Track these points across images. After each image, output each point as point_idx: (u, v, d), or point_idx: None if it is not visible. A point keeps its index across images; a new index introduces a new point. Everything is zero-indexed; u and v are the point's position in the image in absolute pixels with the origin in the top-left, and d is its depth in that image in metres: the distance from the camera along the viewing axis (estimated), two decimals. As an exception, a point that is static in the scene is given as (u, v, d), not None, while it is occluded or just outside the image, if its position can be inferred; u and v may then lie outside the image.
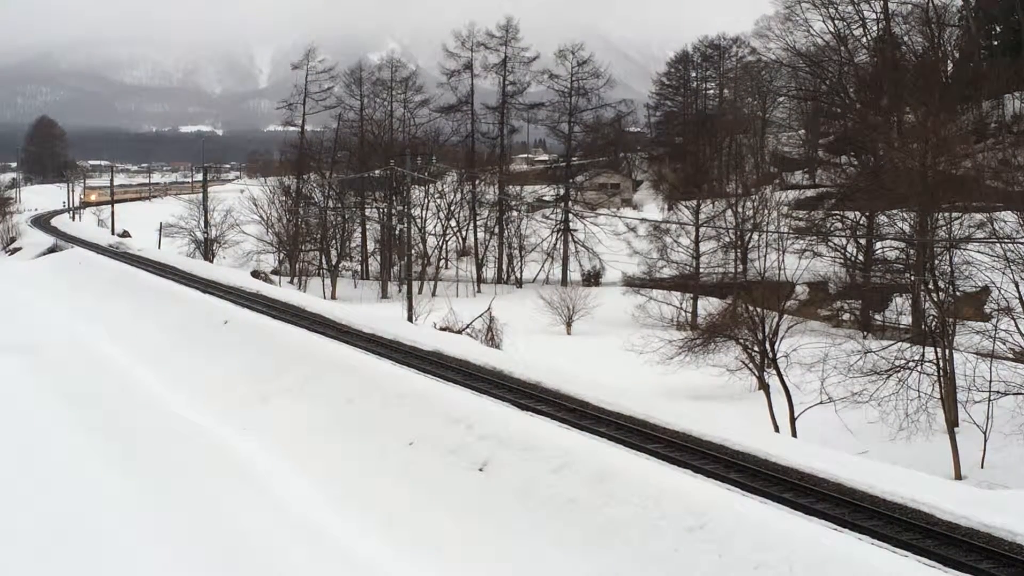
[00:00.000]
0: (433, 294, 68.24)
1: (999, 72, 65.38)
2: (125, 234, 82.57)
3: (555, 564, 13.76)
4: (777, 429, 28.07)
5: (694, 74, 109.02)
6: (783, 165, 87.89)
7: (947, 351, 27.33)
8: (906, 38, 77.12)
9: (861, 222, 54.97)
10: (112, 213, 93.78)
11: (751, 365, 33.70)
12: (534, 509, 15.10)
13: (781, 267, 60.92)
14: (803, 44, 79.29)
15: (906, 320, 42.87)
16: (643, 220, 71.76)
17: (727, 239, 63.48)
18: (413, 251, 64.73)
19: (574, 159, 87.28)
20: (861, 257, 55.43)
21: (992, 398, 25.45)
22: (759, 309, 34.77)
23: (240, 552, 14.62)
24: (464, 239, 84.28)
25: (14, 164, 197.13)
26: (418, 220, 77.26)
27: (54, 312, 40.36)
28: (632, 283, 63.47)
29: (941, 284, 33.44)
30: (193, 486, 17.52)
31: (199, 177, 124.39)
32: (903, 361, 27.19)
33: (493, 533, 14.91)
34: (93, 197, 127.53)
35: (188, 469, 18.45)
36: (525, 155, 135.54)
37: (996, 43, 76.95)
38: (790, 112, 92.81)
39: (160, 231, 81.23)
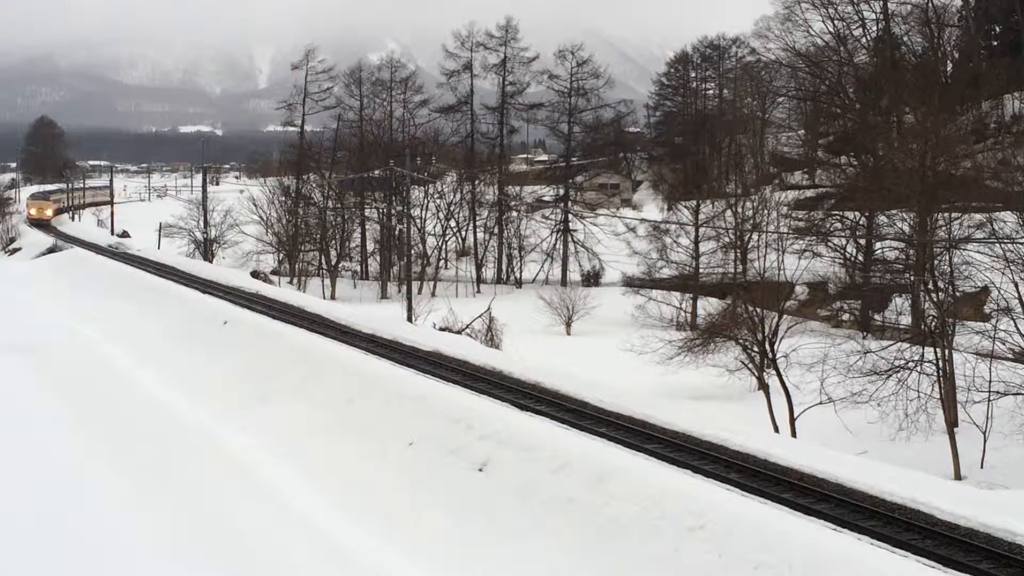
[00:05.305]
0: (433, 294, 68.24)
1: (999, 72, 65.41)
2: (125, 234, 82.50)
3: (555, 564, 13.76)
4: (777, 429, 28.09)
5: (694, 74, 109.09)
6: (783, 165, 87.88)
7: (947, 351, 27.35)
8: (906, 38, 77.24)
9: (861, 222, 54.99)
10: (112, 213, 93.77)
11: (751, 365, 33.76)
12: (534, 509, 15.10)
13: (781, 267, 60.93)
14: (803, 44, 79.44)
15: (906, 320, 42.90)
16: (643, 220, 71.84)
17: (727, 239, 63.53)
18: (413, 251, 64.71)
19: (574, 159, 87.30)
20: (861, 257, 55.45)
21: (991, 398, 25.47)
22: (759, 309, 34.81)
23: (240, 552, 14.63)
24: (464, 239, 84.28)
25: (14, 164, 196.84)
26: (418, 220, 77.29)
27: (54, 312, 40.34)
28: (632, 283, 63.53)
29: (941, 284, 33.50)
30: (193, 486, 17.52)
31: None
32: (903, 361, 27.20)
33: (493, 533, 14.91)
34: (33, 212, 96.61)
35: (188, 469, 18.45)
36: (525, 155, 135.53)
37: (996, 43, 76.97)
38: (790, 112, 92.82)
39: (160, 231, 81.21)
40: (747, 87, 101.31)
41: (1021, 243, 28.12)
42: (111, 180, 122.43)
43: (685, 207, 68.11)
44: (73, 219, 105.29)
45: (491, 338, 43.04)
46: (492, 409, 19.16)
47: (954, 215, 38.76)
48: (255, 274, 64.89)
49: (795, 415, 28.65)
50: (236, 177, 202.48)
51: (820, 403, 27.95)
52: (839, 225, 57.76)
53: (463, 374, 23.13)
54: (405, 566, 14.18)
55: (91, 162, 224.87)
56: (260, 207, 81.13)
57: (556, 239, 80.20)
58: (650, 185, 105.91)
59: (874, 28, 76.64)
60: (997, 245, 29.14)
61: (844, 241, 56.70)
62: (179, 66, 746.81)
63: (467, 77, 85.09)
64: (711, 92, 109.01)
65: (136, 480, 17.98)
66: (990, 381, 25.50)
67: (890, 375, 26.95)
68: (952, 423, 26.22)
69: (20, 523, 15.78)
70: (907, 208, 44.79)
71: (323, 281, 76.60)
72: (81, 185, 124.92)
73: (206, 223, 74.80)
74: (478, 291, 74.36)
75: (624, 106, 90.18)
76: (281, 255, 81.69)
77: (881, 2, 74.16)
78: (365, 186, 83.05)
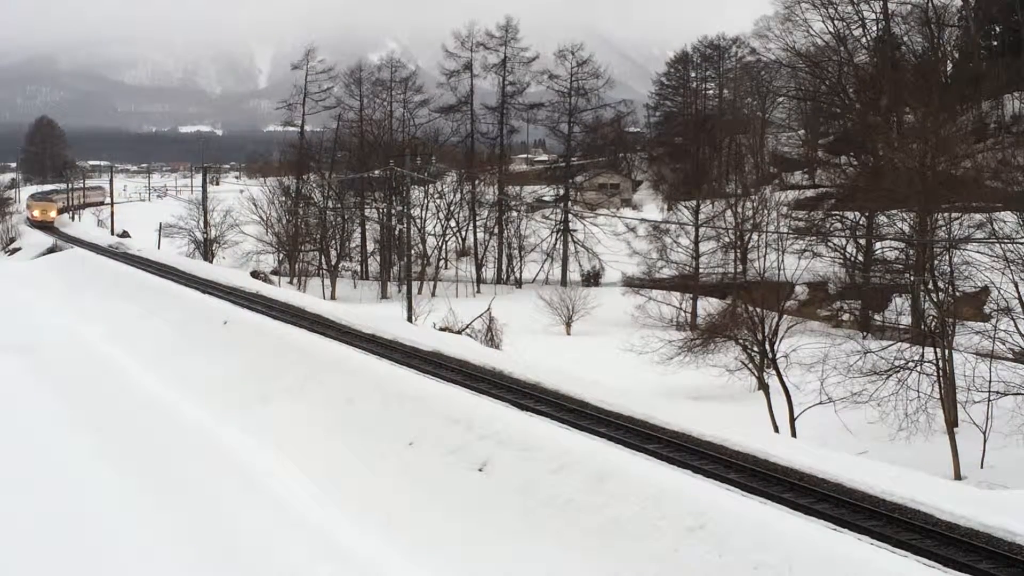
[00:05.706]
0: (433, 294, 68.25)
1: (999, 72, 65.46)
2: (124, 234, 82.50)
3: (555, 564, 13.75)
4: (777, 429, 28.09)
5: (694, 74, 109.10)
6: (783, 165, 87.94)
7: (946, 351, 27.35)
8: (906, 38, 77.27)
9: (861, 222, 55.00)
10: (112, 213, 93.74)
11: (751, 365, 33.73)
12: (534, 509, 15.10)
13: (781, 267, 60.95)
14: (803, 44, 79.54)
15: (906, 320, 42.88)
16: (643, 220, 71.84)
17: (727, 239, 63.55)
18: (413, 251, 64.72)
19: (574, 159, 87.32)
20: (861, 257, 55.46)
21: (991, 398, 25.46)
22: (759, 309, 34.79)
23: (240, 552, 14.62)
24: (464, 239, 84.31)
25: (14, 164, 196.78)
26: (418, 220, 77.29)
27: (54, 312, 40.28)
28: (632, 283, 63.53)
29: (941, 284, 33.50)
30: (193, 486, 17.51)
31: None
32: (903, 361, 27.19)
33: (493, 533, 14.92)
34: (36, 213, 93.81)
35: (188, 469, 18.44)
36: (525, 155, 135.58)
37: (996, 43, 77.00)
38: (790, 112, 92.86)
39: (160, 231, 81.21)
40: (747, 87, 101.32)
41: (1021, 243, 28.12)
42: (111, 180, 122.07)
43: (685, 207, 68.12)
44: (73, 219, 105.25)
45: (491, 338, 43.04)
46: (492, 409, 19.16)
47: (954, 215, 38.74)
48: (255, 274, 64.85)
49: (795, 415, 28.64)
50: (236, 177, 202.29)
51: (820, 403, 27.95)
52: (839, 225, 57.77)
53: (463, 374, 23.11)
54: (405, 566, 14.17)
55: (91, 162, 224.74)
56: (260, 207, 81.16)
57: (556, 239, 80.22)
58: (650, 185, 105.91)
59: (874, 28, 76.78)
60: (997, 245, 29.14)
61: (844, 241, 56.70)
62: (179, 66, 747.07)
63: (467, 77, 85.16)
64: (711, 92, 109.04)
65: (136, 480, 17.98)
66: (990, 381, 25.50)
67: (890, 375, 26.94)
68: (952, 423, 26.21)
69: (20, 523, 15.78)
70: (907, 208, 44.79)
71: (323, 281, 76.60)
72: (81, 185, 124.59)
73: (206, 223, 74.77)
74: (478, 291, 74.36)
75: (624, 106, 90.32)
76: (281, 255, 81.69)
77: (881, 2, 74.25)
78: (365, 186, 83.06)
